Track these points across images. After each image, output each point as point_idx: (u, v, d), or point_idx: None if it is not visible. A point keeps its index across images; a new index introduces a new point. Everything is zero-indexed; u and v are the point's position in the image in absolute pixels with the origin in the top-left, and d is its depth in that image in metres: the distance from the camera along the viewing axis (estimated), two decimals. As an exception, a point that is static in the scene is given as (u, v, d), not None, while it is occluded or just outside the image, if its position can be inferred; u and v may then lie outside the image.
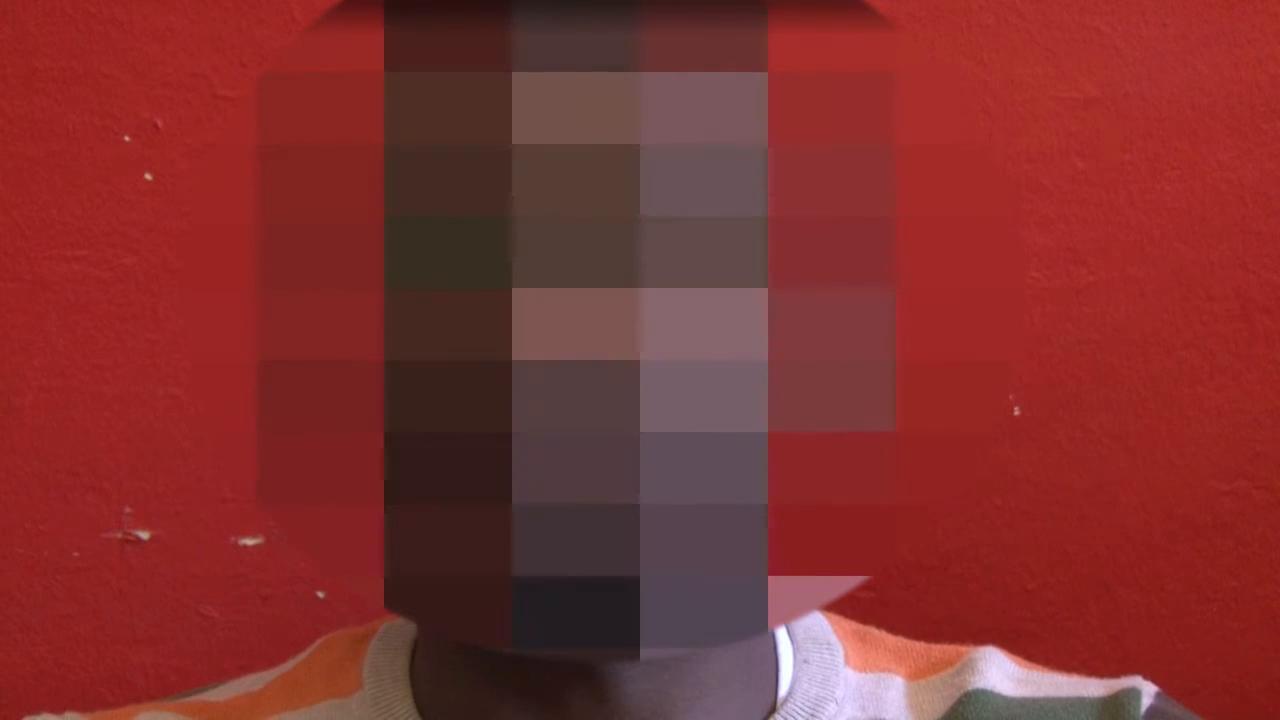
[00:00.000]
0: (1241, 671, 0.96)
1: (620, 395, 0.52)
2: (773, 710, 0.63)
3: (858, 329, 0.54)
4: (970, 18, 0.93)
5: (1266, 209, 0.94)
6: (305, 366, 0.54)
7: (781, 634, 0.65)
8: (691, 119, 0.54)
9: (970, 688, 0.64)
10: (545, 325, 0.53)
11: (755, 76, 0.54)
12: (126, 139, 0.92)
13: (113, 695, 0.93)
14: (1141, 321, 0.95)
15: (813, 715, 0.63)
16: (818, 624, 0.66)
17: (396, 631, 0.66)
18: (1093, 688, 0.66)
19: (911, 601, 0.95)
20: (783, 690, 0.64)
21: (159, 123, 0.92)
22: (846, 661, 0.65)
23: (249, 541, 0.93)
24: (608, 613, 0.53)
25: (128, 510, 0.93)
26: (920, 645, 0.68)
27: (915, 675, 0.66)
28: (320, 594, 0.94)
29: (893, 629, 0.69)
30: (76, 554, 0.93)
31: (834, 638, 0.66)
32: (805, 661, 0.64)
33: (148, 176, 0.92)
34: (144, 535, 0.93)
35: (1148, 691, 0.65)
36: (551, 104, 0.53)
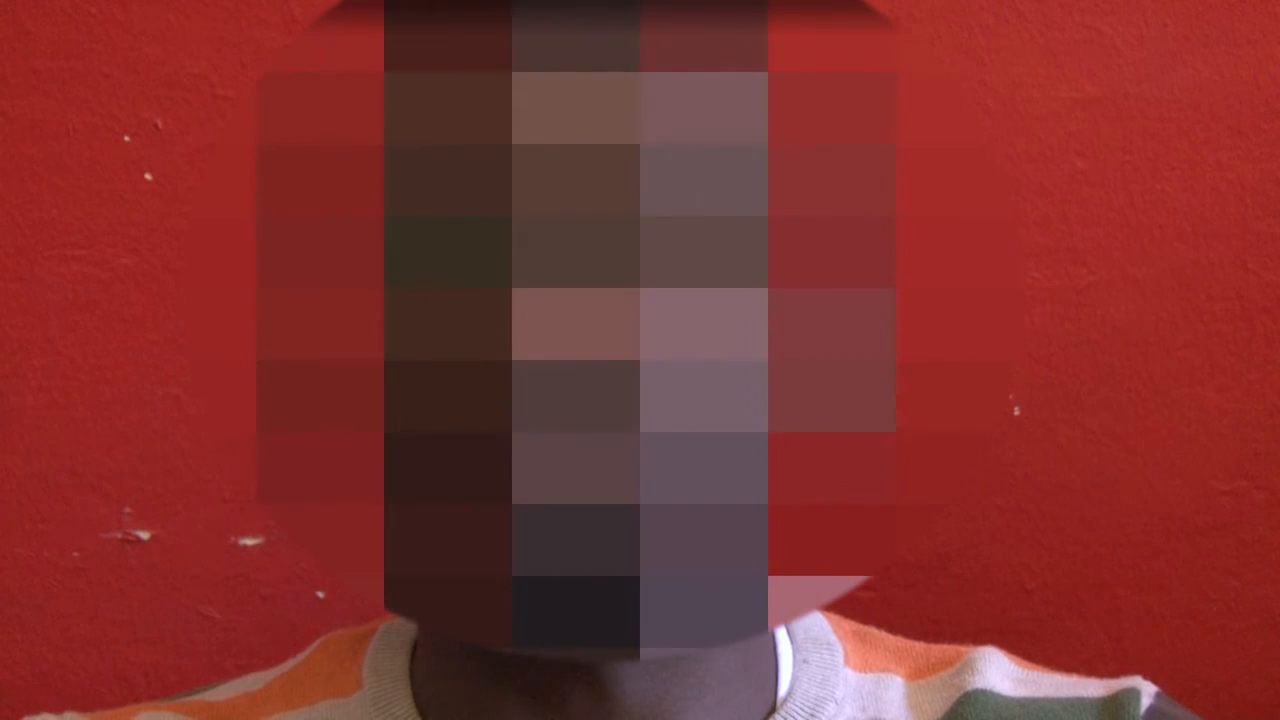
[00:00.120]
0: (1241, 671, 0.96)
1: (620, 395, 0.52)
2: (772, 710, 0.63)
3: (857, 329, 0.54)
4: (970, 18, 0.93)
5: (1266, 209, 0.94)
6: (305, 366, 0.54)
7: (781, 634, 0.65)
8: (691, 119, 0.54)
9: (970, 688, 0.64)
10: (545, 325, 0.53)
11: (755, 76, 0.54)
12: (126, 139, 0.92)
13: (113, 695, 0.93)
14: (1141, 321, 0.95)
15: (812, 715, 0.63)
16: (818, 624, 0.66)
17: (396, 631, 0.66)
18: (1092, 688, 0.66)
19: (911, 601, 0.95)
20: (782, 690, 0.64)
21: (159, 123, 0.92)
22: (846, 661, 0.65)
23: (249, 541, 0.93)
24: (607, 612, 0.53)
25: (128, 510, 0.93)
26: (920, 645, 0.68)
27: (915, 675, 0.66)
28: (320, 594, 0.94)
29: (893, 629, 0.69)
30: (76, 554, 0.93)
31: (834, 638, 0.66)
32: (805, 661, 0.64)
33: (148, 176, 0.92)
34: (144, 535, 0.93)
35: (1147, 691, 0.65)
36: (551, 104, 0.53)
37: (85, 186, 0.92)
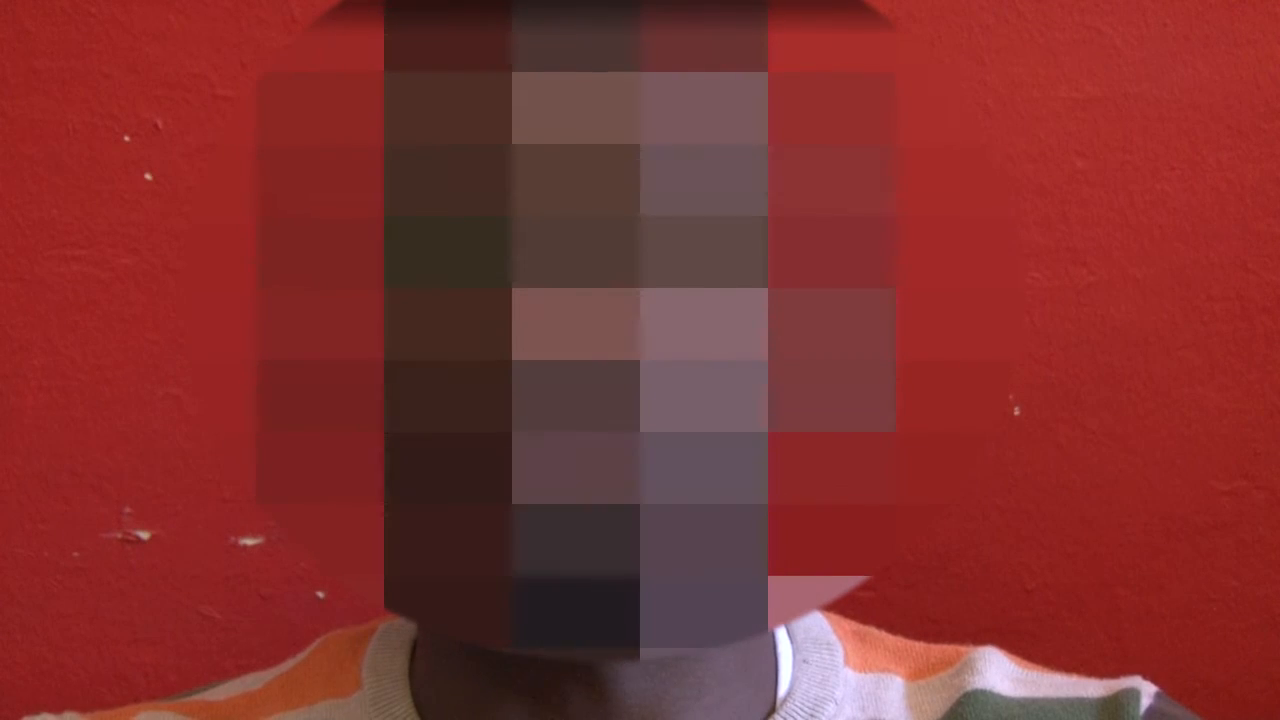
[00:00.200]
0: (1241, 671, 0.96)
1: (620, 395, 0.52)
2: (772, 710, 0.63)
3: (858, 329, 0.54)
4: (970, 18, 0.93)
5: (1266, 209, 0.94)
6: (305, 366, 0.54)
7: (781, 634, 0.65)
8: (691, 119, 0.54)
9: (970, 688, 0.64)
10: (545, 325, 0.53)
11: (755, 76, 0.54)
12: (126, 139, 0.92)
13: (113, 695, 0.93)
14: (1141, 321, 0.95)
15: (812, 715, 0.63)
16: (817, 624, 0.66)
17: (395, 631, 0.66)
18: (1092, 688, 0.66)
19: (911, 601, 0.95)
20: (782, 690, 0.64)
21: (159, 123, 0.92)
22: (846, 661, 0.65)
23: (249, 541, 0.93)
24: (607, 613, 0.53)
25: (128, 510, 0.93)
26: (920, 645, 0.68)
27: (915, 675, 0.66)
28: (320, 594, 0.94)
29: (893, 629, 0.69)
30: (76, 554, 0.93)
31: (834, 638, 0.66)
32: (805, 661, 0.64)
33: (148, 176, 0.92)
34: (144, 535, 0.93)
35: (1147, 692, 0.65)
36: (551, 104, 0.53)
37: (85, 186, 0.92)
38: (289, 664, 0.68)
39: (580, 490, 0.52)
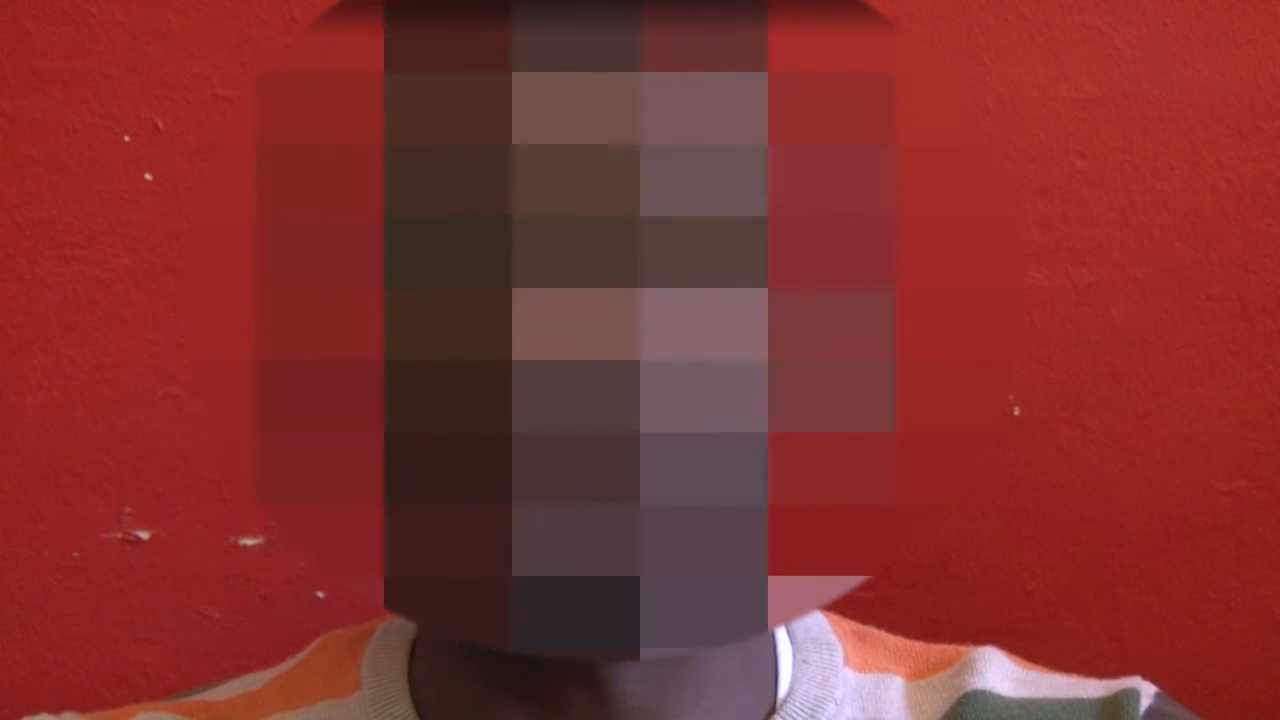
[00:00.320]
0: (1241, 671, 0.96)
1: (620, 395, 0.52)
2: (772, 711, 0.63)
3: (857, 329, 0.54)
4: (970, 18, 0.93)
5: (1266, 209, 0.94)
6: (305, 366, 0.54)
7: (781, 634, 0.65)
8: (691, 119, 0.54)
9: (969, 688, 0.64)
10: (545, 325, 0.53)
11: (755, 76, 0.54)
12: (126, 139, 0.92)
13: (113, 695, 0.93)
14: (1141, 321, 0.95)
15: (812, 716, 0.63)
16: (817, 624, 0.66)
17: (395, 631, 0.66)
18: (1092, 688, 0.66)
19: (911, 601, 0.95)
20: (782, 691, 0.64)
21: (159, 123, 0.92)
22: (846, 662, 0.65)
23: (249, 541, 0.93)
24: (608, 612, 0.53)
25: (128, 510, 0.93)
26: (920, 645, 0.68)
27: (915, 676, 0.66)
28: (320, 594, 0.94)
29: (893, 629, 0.69)
30: (76, 554, 0.93)
31: (834, 638, 0.66)
32: (805, 662, 0.64)
33: (148, 176, 0.92)
34: (144, 535, 0.93)
35: (1147, 692, 0.65)
36: (551, 104, 0.53)
37: (85, 186, 0.92)
38: (288, 664, 0.68)
39: (580, 490, 0.52)
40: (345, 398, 0.54)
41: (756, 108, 0.54)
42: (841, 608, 0.63)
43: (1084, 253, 0.94)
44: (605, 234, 0.53)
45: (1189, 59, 0.94)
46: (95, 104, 0.91)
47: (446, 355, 0.53)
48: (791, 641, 0.65)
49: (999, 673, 0.66)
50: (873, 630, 0.68)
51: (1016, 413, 0.95)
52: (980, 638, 0.83)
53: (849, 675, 0.65)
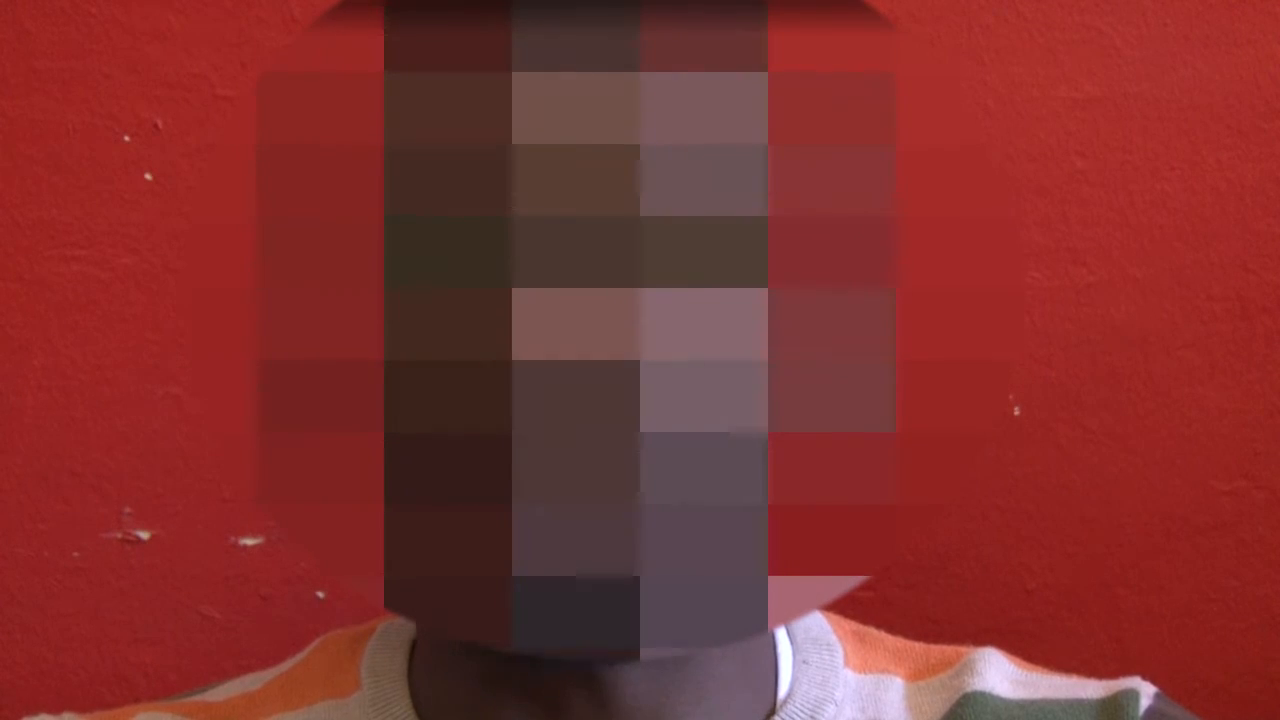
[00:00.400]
0: (1241, 671, 0.96)
1: (620, 395, 0.52)
2: (772, 711, 0.63)
3: (858, 329, 0.54)
4: (970, 18, 0.93)
5: (1266, 209, 0.94)
6: (306, 366, 0.54)
7: (781, 634, 0.65)
8: (691, 119, 0.54)
9: (969, 689, 0.64)
10: (545, 325, 0.53)
11: (755, 76, 0.54)
12: (126, 139, 0.92)
13: (113, 695, 0.93)
14: (1141, 321, 0.95)
15: (812, 716, 0.63)
16: (817, 624, 0.66)
17: (395, 631, 0.66)
18: (1091, 689, 0.66)
19: (911, 601, 0.95)
20: (782, 691, 0.64)
21: (159, 123, 0.92)
22: (846, 662, 0.65)
23: (249, 541, 0.93)
24: (608, 612, 0.53)
25: (128, 510, 0.93)
26: (920, 646, 0.68)
27: (914, 676, 0.66)
28: (320, 594, 0.94)
29: (893, 629, 0.69)
30: (76, 554, 0.93)
31: (834, 638, 0.66)
32: (805, 662, 0.64)
33: (148, 176, 0.92)
34: (144, 535, 0.93)
35: (1146, 692, 0.65)
36: (551, 104, 0.53)
37: (85, 186, 0.92)
38: (288, 664, 0.68)
39: (580, 490, 0.52)
40: (345, 398, 0.54)
41: (756, 108, 0.54)
42: (841, 608, 0.63)
43: (1084, 253, 0.94)
44: (605, 234, 0.53)
45: (1189, 59, 0.94)
46: (95, 104, 0.91)
47: (446, 355, 0.53)
48: (791, 642, 0.65)
49: (999, 674, 0.66)
50: (873, 631, 0.68)
51: (1016, 413, 0.95)
52: (980, 638, 0.83)
53: (849, 676, 0.65)
